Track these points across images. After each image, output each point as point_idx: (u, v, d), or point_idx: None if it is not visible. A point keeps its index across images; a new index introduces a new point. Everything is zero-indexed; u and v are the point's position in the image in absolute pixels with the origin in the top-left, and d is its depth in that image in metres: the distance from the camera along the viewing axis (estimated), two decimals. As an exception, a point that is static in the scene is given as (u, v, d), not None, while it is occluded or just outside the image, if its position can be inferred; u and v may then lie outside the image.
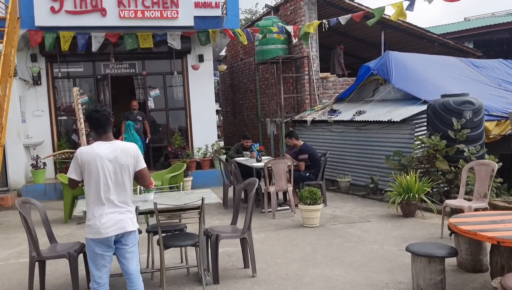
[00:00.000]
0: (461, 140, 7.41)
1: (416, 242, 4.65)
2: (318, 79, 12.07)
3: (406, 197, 6.78)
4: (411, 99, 8.95)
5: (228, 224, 5.20)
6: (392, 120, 8.26)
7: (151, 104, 11.47)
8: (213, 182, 10.35)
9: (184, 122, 11.72)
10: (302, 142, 8.25)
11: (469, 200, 5.96)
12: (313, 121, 10.56)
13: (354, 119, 9.30)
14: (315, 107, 11.37)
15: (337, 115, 10.08)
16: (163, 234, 4.39)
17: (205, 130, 11.35)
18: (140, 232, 3.67)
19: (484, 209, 5.52)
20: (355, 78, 10.78)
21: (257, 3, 41.65)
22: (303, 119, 10.92)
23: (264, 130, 13.19)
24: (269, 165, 7.40)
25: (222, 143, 12.19)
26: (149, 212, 4.51)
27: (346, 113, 9.93)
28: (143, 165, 3.51)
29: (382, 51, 12.45)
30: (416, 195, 6.79)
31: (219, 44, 11.88)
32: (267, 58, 12.05)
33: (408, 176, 6.97)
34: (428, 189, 6.92)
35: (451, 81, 9.74)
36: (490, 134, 8.37)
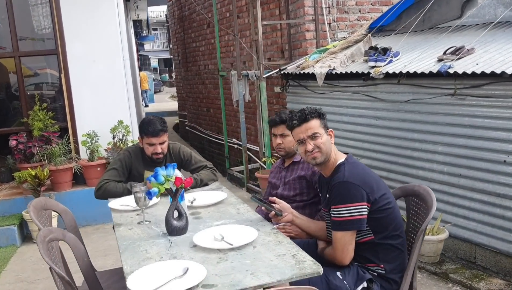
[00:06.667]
0: None
1: None
2: (328, -8, 6.08)
3: None
4: None
5: None
6: None
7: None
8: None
9: (55, 83, 5.74)
10: (344, 155, 2.38)
11: None
12: (330, 76, 4.71)
13: (444, 70, 3.48)
14: (327, 46, 5.47)
15: (391, 60, 4.23)
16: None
17: (100, 100, 5.40)
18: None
19: None
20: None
21: None
22: (306, 71, 5.04)
23: (228, 94, 7.25)
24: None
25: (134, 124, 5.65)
26: None
27: (413, 54, 4.10)
28: None
29: None
30: None
31: None
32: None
33: None
34: None
35: None
36: None
